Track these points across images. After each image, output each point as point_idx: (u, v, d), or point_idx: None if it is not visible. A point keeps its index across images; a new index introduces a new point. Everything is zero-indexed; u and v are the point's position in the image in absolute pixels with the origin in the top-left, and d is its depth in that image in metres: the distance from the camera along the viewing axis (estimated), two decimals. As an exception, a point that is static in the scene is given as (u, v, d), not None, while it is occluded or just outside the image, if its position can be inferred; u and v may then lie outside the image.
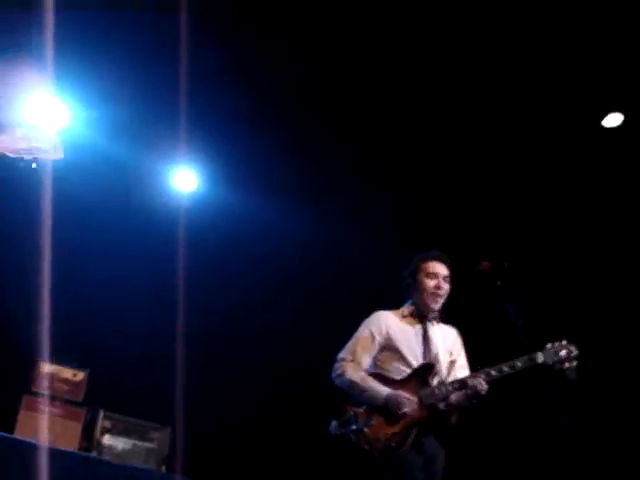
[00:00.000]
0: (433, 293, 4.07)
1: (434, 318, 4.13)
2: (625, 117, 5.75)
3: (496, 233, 6.43)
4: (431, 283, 4.07)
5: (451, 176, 6.44)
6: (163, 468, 5.45)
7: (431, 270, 4.10)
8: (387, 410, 3.81)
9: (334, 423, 3.91)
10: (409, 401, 3.80)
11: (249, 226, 6.54)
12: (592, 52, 5.29)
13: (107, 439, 5.41)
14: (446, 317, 4.25)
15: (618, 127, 5.83)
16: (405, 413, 3.78)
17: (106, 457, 5.26)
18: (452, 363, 4.08)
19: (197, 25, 4.88)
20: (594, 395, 6.00)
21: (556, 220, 6.44)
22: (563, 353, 3.81)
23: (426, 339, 4.04)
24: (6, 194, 5.65)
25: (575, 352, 3.84)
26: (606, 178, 6.18)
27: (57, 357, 5.41)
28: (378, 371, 4.00)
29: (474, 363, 4.17)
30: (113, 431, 5.45)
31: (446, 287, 4.10)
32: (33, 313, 4.89)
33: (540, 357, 3.80)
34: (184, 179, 6.42)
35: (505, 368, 3.82)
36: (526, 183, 6.35)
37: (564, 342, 3.85)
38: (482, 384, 3.79)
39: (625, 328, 6.29)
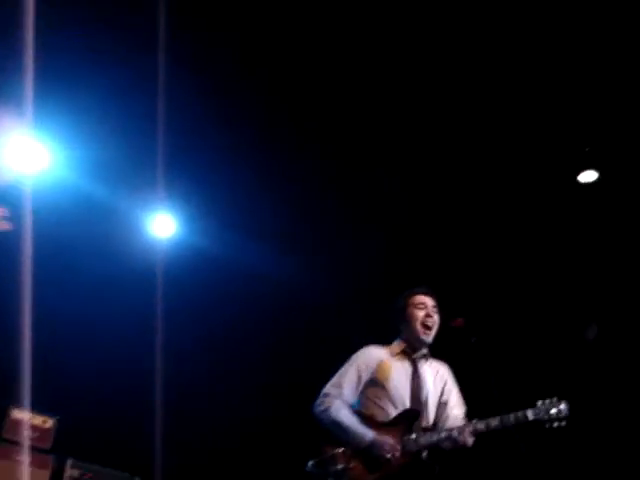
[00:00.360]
0: (423, 323, 3.98)
1: (425, 355, 4.03)
2: (599, 174, 5.85)
3: (473, 290, 6.46)
4: (420, 313, 4.00)
5: (429, 230, 6.49)
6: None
7: (419, 301, 4.04)
8: (369, 455, 3.67)
9: (311, 462, 3.78)
10: (393, 447, 3.65)
11: (227, 270, 6.53)
12: (570, 112, 5.40)
13: (74, 488, 5.31)
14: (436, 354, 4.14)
15: (593, 183, 5.92)
16: (388, 460, 3.64)
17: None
18: (444, 404, 3.96)
19: (174, 69, 4.90)
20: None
21: (534, 277, 6.48)
22: (554, 411, 3.70)
23: (416, 379, 3.93)
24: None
25: (566, 411, 3.72)
26: (583, 233, 6.25)
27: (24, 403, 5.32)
28: (362, 410, 3.87)
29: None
30: (81, 480, 5.35)
31: (436, 317, 4.01)
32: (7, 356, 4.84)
33: (531, 414, 3.68)
34: (162, 224, 6.42)
35: (494, 423, 3.70)
36: (501, 238, 6.41)
37: (555, 399, 3.74)
38: (468, 439, 3.67)
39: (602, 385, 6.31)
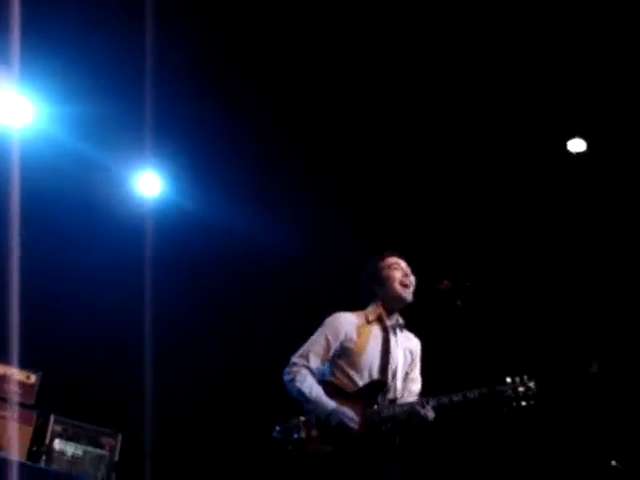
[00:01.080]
0: (401, 282, 3.92)
1: (400, 325, 3.97)
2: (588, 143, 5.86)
3: (459, 252, 6.48)
4: (397, 273, 3.95)
5: (417, 190, 6.49)
6: (113, 475, 5.38)
7: (393, 262, 3.99)
8: (329, 425, 3.68)
9: (277, 428, 3.80)
10: (351, 419, 3.65)
11: (211, 228, 6.53)
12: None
13: (57, 444, 5.31)
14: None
15: (582, 152, 5.92)
16: (347, 431, 3.65)
17: (56, 462, 5.19)
18: (407, 374, 3.94)
19: (162, 26, 4.84)
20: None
21: (521, 240, 6.50)
22: (521, 389, 3.67)
23: (387, 349, 3.87)
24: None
25: (533, 389, 3.68)
26: (570, 199, 6.26)
27: (8, 358, 5.32)
28: (331, 379, 3.85)
29: (430, 383, 4.16)
30: (64, 436, 5.35)
31: (412, 278, 3.96)
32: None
33: (497, 391, 3.63)
34: (148, 183, 6.37)
35: (456, 398, 3.68)
36: (490, 202, 6.42)
37: (525, 378, 3.70)
38: (429, 412, 3.65)
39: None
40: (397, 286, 3.91)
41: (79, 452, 5.37)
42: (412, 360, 3.98)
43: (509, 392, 3.64)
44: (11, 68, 4.75)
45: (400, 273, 3.94)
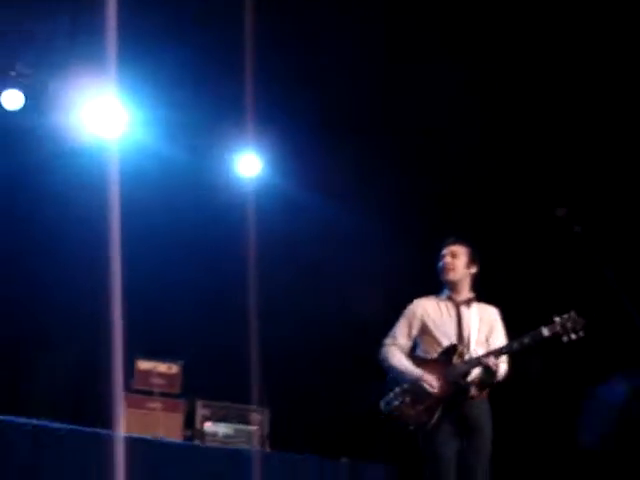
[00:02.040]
0: (442, 269, 4.54)
1: (468, 301, 4.53)
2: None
3: (577, 180, 6.35)
4: (440, 264, 4.57)
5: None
6: (267, 447, 5.60)
7: (442, 254, 4.61)
8: (417, 390, 4.34)
9: (382, 402, 4.46)
10: (432, 380, 4.31)
11: (311, 208, 6.65)
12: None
13: (208, 426, 5.57)
14: (484, 297, 4.57)
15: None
16: (430, 392, 4.31)
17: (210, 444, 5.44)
18: (487, 340, 4.46)
19: (263, 9, 4.91)
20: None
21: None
22: (569, 325, 4.11)
23: (459, 321, 4.48)
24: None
25: (582, 324, 4.10)
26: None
27: (151, 353, 5.59)
28: (418, 353, 4.53)
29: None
30: (213, 418, 5.60)
31: (449, 260, 4.53)
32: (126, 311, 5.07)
33: (546, 332, 4.15)
34: (248, 164, 6.53)
35: (515, 345, 4.25)
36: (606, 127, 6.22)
37: (572, 314, 4.13)
38: (492, 360, 4.22)
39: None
40: (441, 274, 4.56)
41: (230, 431, 5.62)
42: (489, 327, 4.54)
43: (560, 329, 4.12)
44: (109, 77, 4.93)
45: (441, 262, 4.56)
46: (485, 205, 6.78)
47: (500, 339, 4.50)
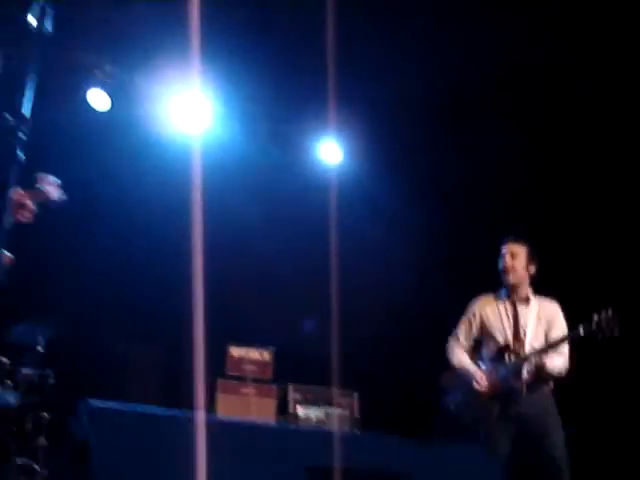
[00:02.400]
0: (502, 271, 4.75)
1: (525, 299, 4.70)
2: None
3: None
4: (500, 265, 4.78)
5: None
6: (357, 431, 5.68)
7: (501, 253, 4.80)
8: (474, 387, 4.62)
9: (447, 397, 4.79)
10: (481, 378, 4.59)
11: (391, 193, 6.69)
12: None
13: (301, 410, 5.68)
14: (545, 292, 4.76)
15: None
16: (483, 390, 4.57)
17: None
18: (546, 336, 4.63)
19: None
20: None
21: None
22: (605, 323, 4.23)
23: (516, 321, 4.68)
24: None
25: (617, 322, 4.22)
26: None
27: (243, 340, 5.73)
28: (481, 351, 4.81)
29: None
30: (305, 402, 5.70)
31: (509, 261, 4.70)
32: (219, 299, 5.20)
33: (582, 331, 4.32)
34: (330, 151, 6.61)
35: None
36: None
37: (610, 312, 4.26)
38: (541, 360, 4.41)
39: None
40: (502, 275, 4.77)
41: (322, 415, 5.71)
42: (548, 323, 4.68)
43: (594, 327, 4.27)
44: (193, 72, 5.04)
45: (500, 264, 4.76)
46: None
47: (559, 333, 4.59)
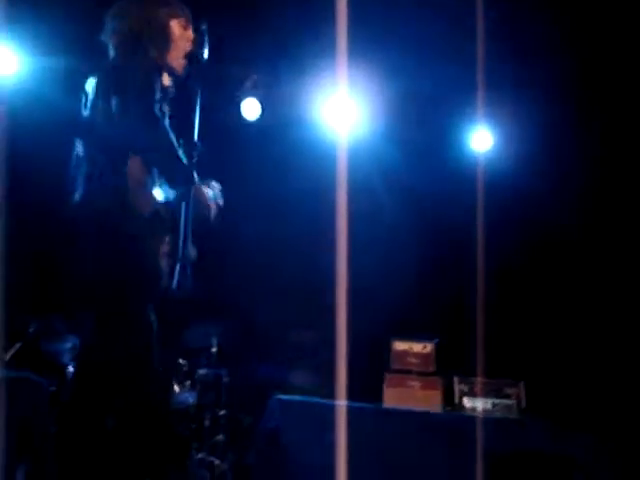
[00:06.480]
0: None
1: None
2: None
3: None
4: None
5: None
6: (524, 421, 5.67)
7: None
8: None
9: None
10: None
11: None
12: None
13: (467, 401, 5.71)
14: None
15: None
16: None
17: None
18: None
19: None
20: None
21: None
22: None
23: None
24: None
25: None
26: None
27: (407, 335, 5.84)
28: None
29: None
30: (470, 393, 5.74)
31: None
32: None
33: None
34: (480, 139, 6.59)
35: None
36: None
37: None
38: None
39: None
40: None
41: (488, 405, 5.72)
42: None
43: None
44: (340, 74, 5.15)
45: None
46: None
47: None
